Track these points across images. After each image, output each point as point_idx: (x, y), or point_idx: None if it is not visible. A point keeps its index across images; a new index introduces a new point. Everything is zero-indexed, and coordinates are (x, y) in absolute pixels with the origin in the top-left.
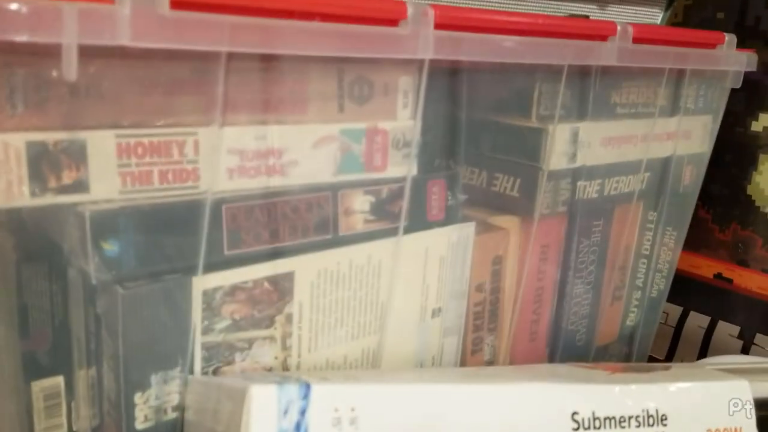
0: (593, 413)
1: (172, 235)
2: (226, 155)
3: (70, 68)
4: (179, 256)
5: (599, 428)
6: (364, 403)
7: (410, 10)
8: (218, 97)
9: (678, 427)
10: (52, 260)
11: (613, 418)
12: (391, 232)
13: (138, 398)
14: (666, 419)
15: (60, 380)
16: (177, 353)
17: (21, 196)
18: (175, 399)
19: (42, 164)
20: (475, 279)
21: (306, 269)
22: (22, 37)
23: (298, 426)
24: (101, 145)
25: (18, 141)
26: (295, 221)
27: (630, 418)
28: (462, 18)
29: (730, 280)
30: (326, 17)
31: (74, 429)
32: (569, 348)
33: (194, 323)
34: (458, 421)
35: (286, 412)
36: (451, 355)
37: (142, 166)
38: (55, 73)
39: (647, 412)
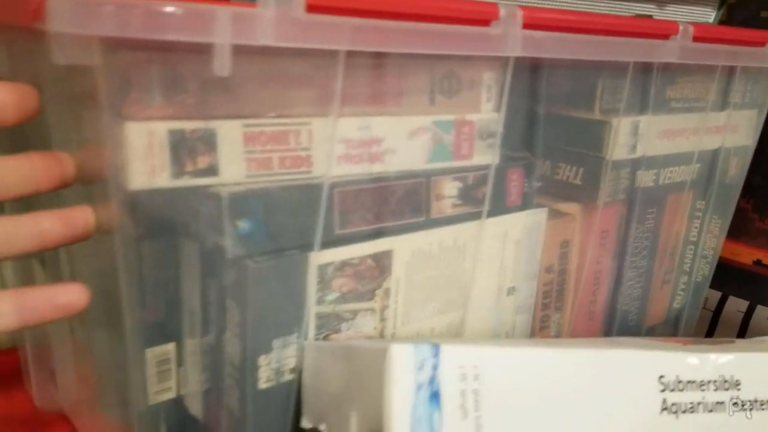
0: (677, 377)
1: (292, 215)
2: (333, 143)
3: (223, 66)
4: (298, 234)
5: (682, 390)
6: (485, 361)
7: (502, 12)
8: (336, 91)
9: (750, 391)
10: (170, 238)
11: (694, 381)
12: (475, 216)
13: (261, 360)
14: (739, 384)
15: (171, 348)
16: (294, 321)
17: (163, 178)
18: (292, 362)
19: (180, 150)
20: (545, 261)
21: (403, 248)
22: (176, 37)
23: (431, 380)
24: (230, 134)
25: (161, 129)
26: (393, 204)
27: (708, 382)
28: (546, 18)
29: None
30: (429, 18)
31: (181, 392)
32: (622, 327)
33: (309, 295)
34: (565, 380)
35: (421, 367)
36: (523, 332)
37: (264, 153)
38: (196, 69)
39: (723, 377)
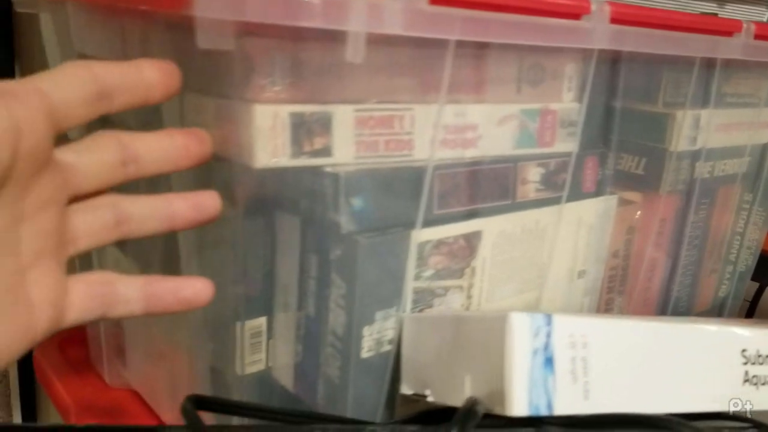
0: (758, 351)
1: (396, 195)
2: (432, 128)
3: (357, 53)
4: (401, 212)
5: (762, 364)
6: (592, 331)
7: (593, 6)
8: (445, 79)
9: None
10: (270, 215)
11: None
12: (555, 201)
13: (365, 331)
14: None
15: (263, 321)
16: (394, 295)
17: (284, 158)
18: (390, 333)
19: (300, 131)
20: (612, 247)
21: (490, 230)
22: (313, 24)
23: (545, 346)
24: (344, 118)
25: (284, 112)
26: (484, 188)
27: None
28: (631, 14)
29: None
30: (529, 11)
31: (269, 364)
32: (673, 313)
33: (409, 270)
34: (660, 350)
35: (536, 334)
36: (590, 313)
37: (371, 136)
38: (320, 56)
39: None
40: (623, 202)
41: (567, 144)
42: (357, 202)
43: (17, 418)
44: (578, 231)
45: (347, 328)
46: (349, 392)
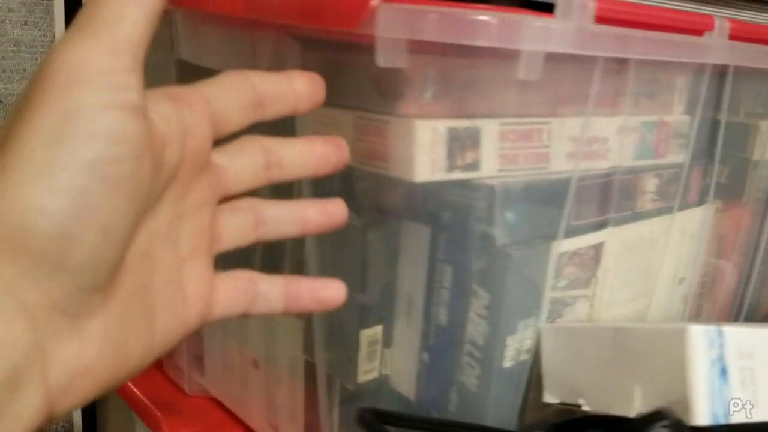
0: None
1: (540, 207)
2: (565, 141)
3: (530, 71)
4: (543, 225)
5: None
6: (756, 342)
7: (716, 23)
8: (593, 94)
9: None
10: (394, 225)
11: None
12: (667, 210)
13: (509, 341)
14: None
15: (379, 330)
16: (534, 305)
17: (440, 171)
18: (528, 343)
19: (454, 146)
20: (705, 253)
21: (614, 240)
22: (488, 44)
23: (720, 357)
24: (490, 131)
25: (442, 126)
26: (612, 199)
27: None
28: (749, 31)
29: None
30: (663, 28)
31: (383, 372)
32: (746, 319)
33: (548, 281)
34: None
35: (711, 346)
36: (683, 320)
37: (513, 150)
38: (480, 73)
39: None
40: (715, 210)
41: (678, 155)
42: (510, 215)
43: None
44: (682, 239)
45: (490, 339)
46: (488, 401)
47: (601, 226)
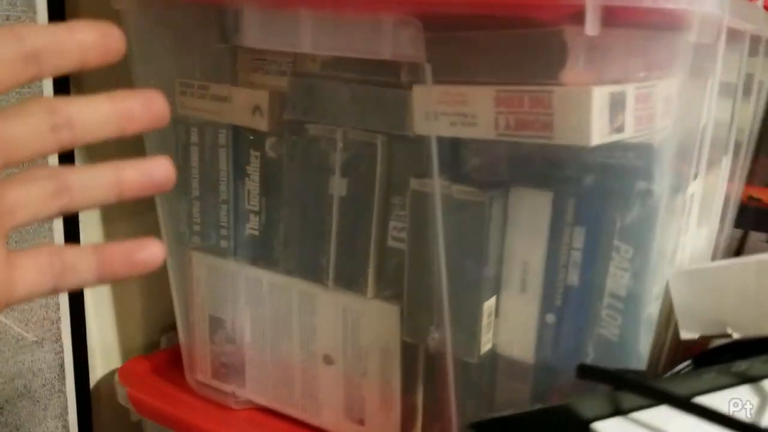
0: None
1: (681, 159)
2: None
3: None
4: (678, 175)
5: None
6: None
7: None
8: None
9: None
10: (504, 197)
11: None
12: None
13: (653, 289)
14: None
15: (494, 301)
16: (665, 252)
17: (606, 134)
18: (658, 289)
19: (614, 110)
20: None
21: (698, 187)
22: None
23: None
24: (632, 95)
25: (605, 93)
26: (703, 150)
27: None
28: None
29: None
30: None
31: (494, 341)
32: None
33: (682, 227)
34: None
35: None
36: None
37: (641, 111)
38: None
39: None
40: None
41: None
42: (664, 170)
43: None
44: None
45: (633, 289)
46: (632, 348)
47: (696, 176)
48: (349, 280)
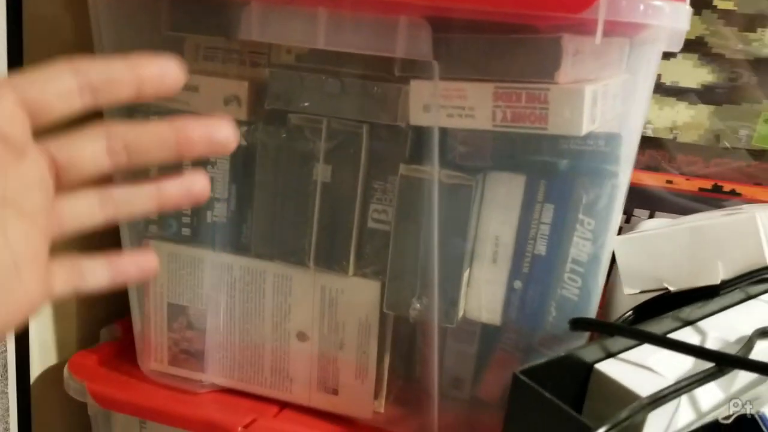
0: None
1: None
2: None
3: (673, 45)
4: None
5: None
6: None
7: None
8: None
9: None
10: (481, 180)
11: None
12: None
13: (605, 255)
14: None
15: (467, 272)
16: (616, 223)
17: (588, 125)
18: (608, 254)
19: (594, 104)
20: None
21: None
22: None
23: None
24: (598, 92)
25: (590, 90)
26: None
27: None
28: None
29: None
30: None
31: (464, 309)
32: None
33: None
34: None
35: None
36: None
37: (604, 106)
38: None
39: None
40: None
41: None
42: (624, 153)
43: None
44: None
45: (593, 255)
46: (590, 305)
47: None
48: (330, 261)
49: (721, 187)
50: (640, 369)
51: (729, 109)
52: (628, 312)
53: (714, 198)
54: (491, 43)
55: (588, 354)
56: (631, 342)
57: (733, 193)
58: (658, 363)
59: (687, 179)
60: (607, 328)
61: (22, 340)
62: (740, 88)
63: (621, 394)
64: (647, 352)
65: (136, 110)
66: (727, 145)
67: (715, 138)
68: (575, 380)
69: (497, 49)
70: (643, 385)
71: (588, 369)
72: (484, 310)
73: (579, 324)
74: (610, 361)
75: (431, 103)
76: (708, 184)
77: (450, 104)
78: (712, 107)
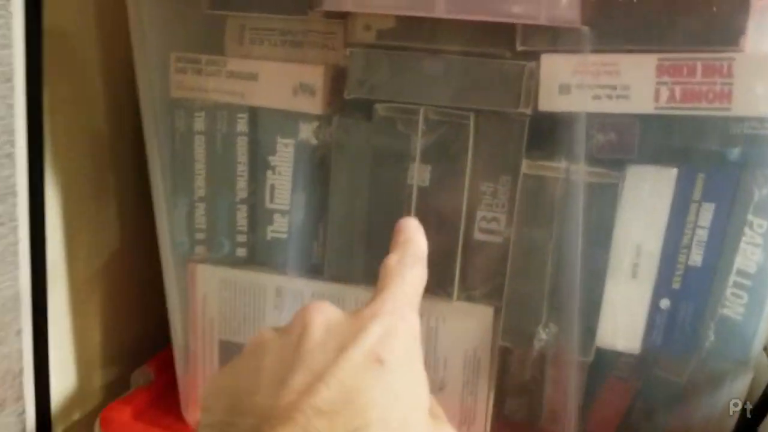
0: None
1: None
2: None
3: None
4: None
5: None
6: None
7: None
8: None
9: None
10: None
11: None
12: None
13: None
14: None
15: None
16: None
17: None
18: None
19: None
20: None
21: None
22: None
23: None
24: None
25: None
26: None
27: None
28: None
29: None
30: None
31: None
32: None
33: None
34: None
35: None
36: None
37: None
38: None
39: None
40: None
41: None
42: None
43: None
44: None
45: (764, 265)
46: (755, 325)
47: None
48: (429, 282)
49: None
50: None
51: None
52: None
53: None
54: (654, 3)
55: None
56: None
57: None
58: None
59: None
60: None
61: (42, 396)
62: None
63: None
64: None
65: (178, 105)
66: None
67: None
68: None
69: (662, 10)
70: None
71: None
72: (620, 336)
73: None
74: None
75: (571, 82)
76: None
77: (595, 83)
78: None
